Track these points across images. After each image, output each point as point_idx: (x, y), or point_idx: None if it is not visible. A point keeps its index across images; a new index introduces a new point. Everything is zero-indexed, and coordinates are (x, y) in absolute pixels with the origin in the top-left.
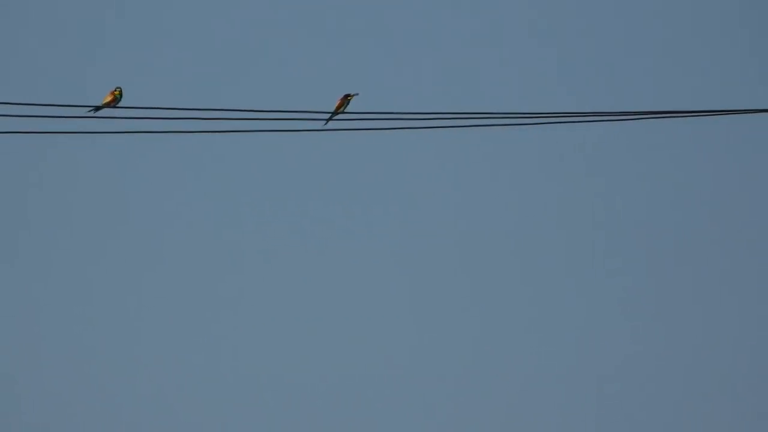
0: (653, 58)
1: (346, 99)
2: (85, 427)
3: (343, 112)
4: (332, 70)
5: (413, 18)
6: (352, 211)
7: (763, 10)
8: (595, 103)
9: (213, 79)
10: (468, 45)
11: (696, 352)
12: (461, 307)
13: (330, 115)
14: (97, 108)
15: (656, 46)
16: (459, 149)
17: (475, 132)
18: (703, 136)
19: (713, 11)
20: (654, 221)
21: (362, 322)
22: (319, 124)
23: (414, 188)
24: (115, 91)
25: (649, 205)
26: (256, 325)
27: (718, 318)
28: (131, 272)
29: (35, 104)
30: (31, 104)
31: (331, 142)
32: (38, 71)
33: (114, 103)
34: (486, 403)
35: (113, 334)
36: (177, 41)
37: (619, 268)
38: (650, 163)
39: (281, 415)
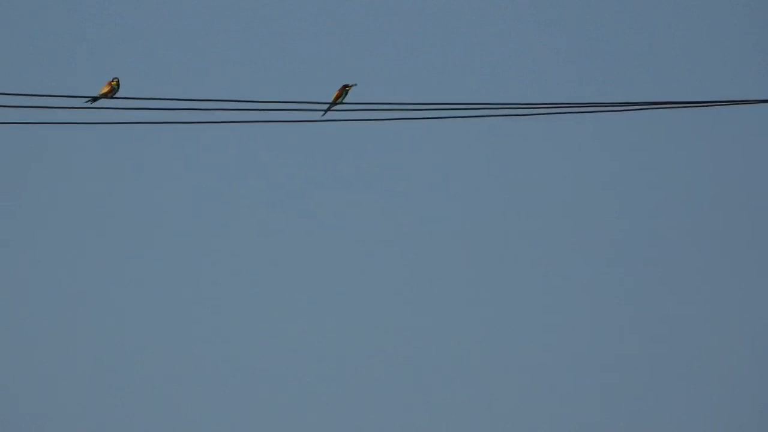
0: (654, 48)
1: (345, 89)
2: (82, 426)
3: (342, 103)
4: (330, 61)
5: (412, 8)
6: (350, 202)
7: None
8: (596, 94)
9: (210, 69)
10: (466, 35)
11: (698, 345)
12: (461, 299)
13: (328, 105)
14: (94, 99)
15: (657, 38)
16: (458, 140)
17: (474, 123)
18: (705, 126)
19: (715, 4)
20: (657, 212)
21: (361, 314)
22: (318, 115)
23: (413, 179)
24: (112, 81)
25: (651, 196)
26: (255, 317)
27: (719, 311)
28: (128, 264)
29: (32, 95)
30: (28, 95)
31: (330, 133)
32: (35, 62)
33: (111, 93)
34: (486, 398)
35: (110, 326)
36: (175, 32)
37: (621, 258)
38: (652, 154)
39: (281, 411)
